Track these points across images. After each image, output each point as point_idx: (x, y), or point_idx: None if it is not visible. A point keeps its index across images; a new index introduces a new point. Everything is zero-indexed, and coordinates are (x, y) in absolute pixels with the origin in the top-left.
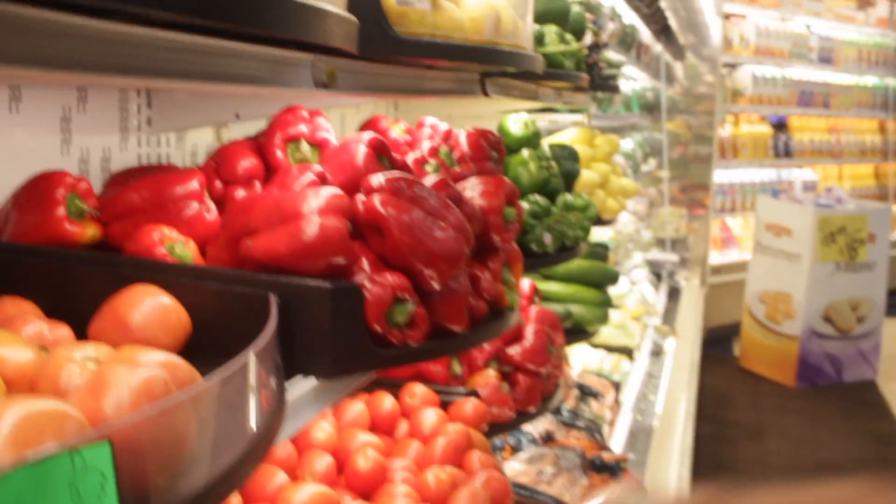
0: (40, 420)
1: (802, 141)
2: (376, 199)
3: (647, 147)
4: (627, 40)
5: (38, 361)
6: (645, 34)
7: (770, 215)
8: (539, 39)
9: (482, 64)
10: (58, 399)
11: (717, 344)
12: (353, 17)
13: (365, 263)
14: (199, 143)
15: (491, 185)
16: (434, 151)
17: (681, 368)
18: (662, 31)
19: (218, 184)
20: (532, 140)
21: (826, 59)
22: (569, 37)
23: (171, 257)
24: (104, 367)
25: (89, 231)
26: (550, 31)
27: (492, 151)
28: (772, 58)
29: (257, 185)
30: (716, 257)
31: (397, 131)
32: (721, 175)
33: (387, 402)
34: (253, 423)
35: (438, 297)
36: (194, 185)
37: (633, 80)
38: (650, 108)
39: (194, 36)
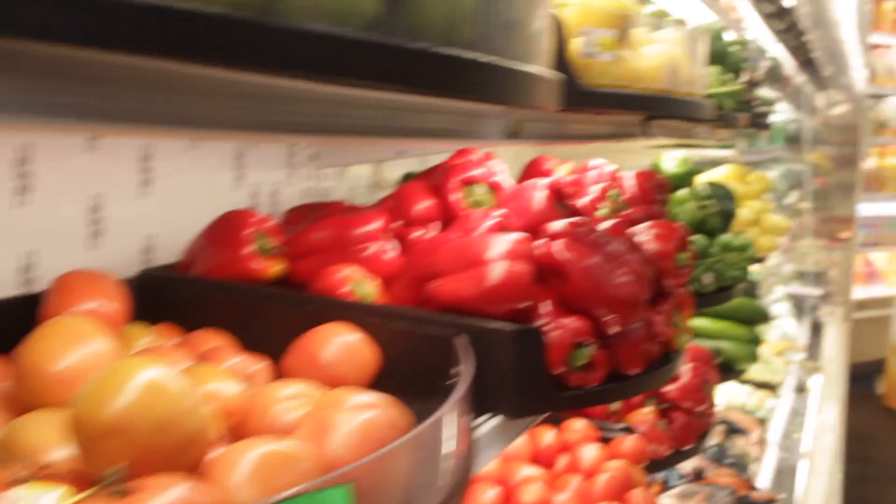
0: (277, 460)
1: None
2: (558, 245)
3: (789, 179)
4: (774, 74)
5: (246, 396)
6: (788, 66)
7: None
8: None
9: (660, 111)
10: (287, 440)
11: (861, 381)
12: (555, 75)
13: (547, 307)
14: (359, 176)
15: (663, 229)
16: (604, 194)
17: (826, 406)
18: (806, 63)
19: (395, 224)
20: (687, 178)
21: None
22: (727, 76)
23: (354, 296)
24: (324, 408)
25: (276, 268)
26: (711, 71)
27: (658, 193)
28: None
29: (433, 226)
30: (860, 292)
31: (563, 171)
32: (865, 208)
33: (548, 435)
34: (453, 464)
35: (617, 340)
36: (376, 225)
37: (777, 112)
38: (792, 139)
39: (389, 94)
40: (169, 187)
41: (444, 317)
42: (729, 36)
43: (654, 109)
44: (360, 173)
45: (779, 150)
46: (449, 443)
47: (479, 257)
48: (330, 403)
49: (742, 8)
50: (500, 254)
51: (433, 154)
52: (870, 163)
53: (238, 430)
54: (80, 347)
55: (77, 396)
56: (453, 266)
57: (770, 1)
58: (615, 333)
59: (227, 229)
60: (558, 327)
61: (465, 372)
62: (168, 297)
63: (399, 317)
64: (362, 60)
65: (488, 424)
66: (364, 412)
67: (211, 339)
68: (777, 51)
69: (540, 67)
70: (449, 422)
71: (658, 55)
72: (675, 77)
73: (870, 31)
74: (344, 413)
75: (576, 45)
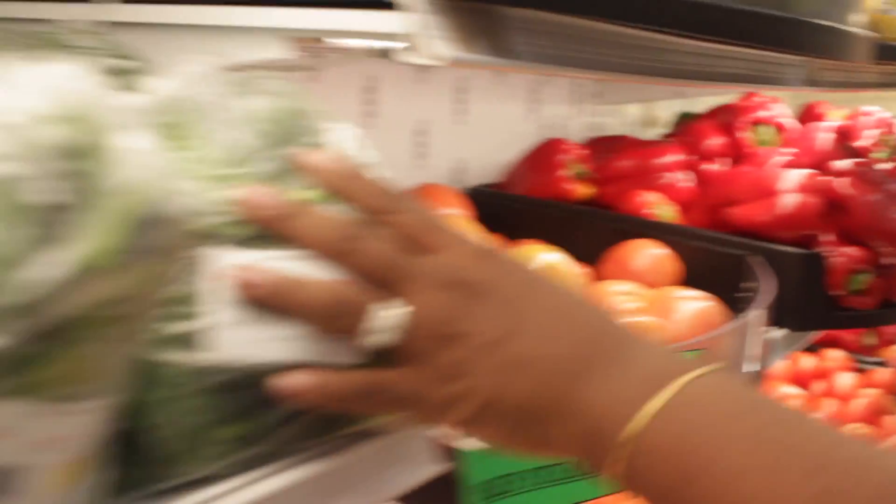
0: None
1: None
2: (843, 182)
3: None
4: None
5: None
6: None
7: None
8: None
9: None
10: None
11: None
12: (867, 34)
13: (830, 237)
14: (632, 114)
15: None
16: (880, 140)
17: None
18: None
19: (690, 157)
20: None
21: None
22: None
23: (656, 217)
24: (659, 300)
25: (586, 190)
26: None
27: None
28: None
29: (722, 161)
30: None
31: (837, 117)
32: None
33: (807, 361)
34: (756, 361)
35: (891, 270)
36: (673, 157)
37: None
38: None
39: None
40: (477, 116)
41: (738, 238)
42: None
43: None
44: (632, 111)
45: None
46: (754, 340)
47: (772, 188)
48: (663, 297)
49: None
50: (791, 186)
51: (704, 97)
52: None
53: None
54: None
55: None
56: (748, 195)
57: None
58: (890, 264)
59: (545, 155)
60: (840, 255)
61: (761, 287)
62: (494, 212)
63: (698, 237)
64: (737, 23)
65: (775, 334)
66: (698, 302)
67: (537, 249)
68: None
69: (857, 28)
70: (754, 322)
71: None
72: None
73: None
74: (681, 301)
75: (872, 3)
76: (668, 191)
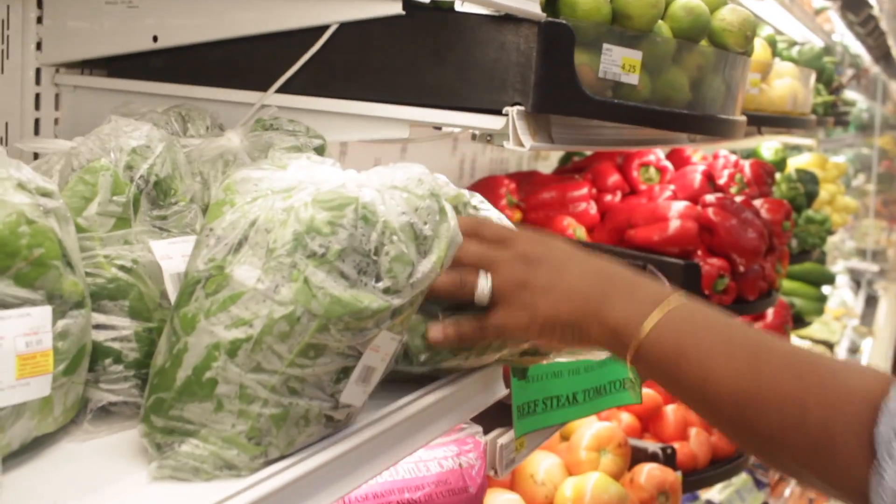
0: None
1: None
2: (711, 211)
3: (857, 163)
4: (853, 69)
5: None
6: (865, 59)
7: None
8: None
9: (783, 127)
10: None
11: None
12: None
13: (702, 251)
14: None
15: (774, 205)
16: (732, 178)
17: (875, 364)
18: (882, 56)
19: (593, 190)
20: (781, 164)
21: None
22: (821, 87)
23: (574, 237)
24: None
25: (517, 216)
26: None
27: (768, 178)
28: None
29: (619, 194)
30: None
31: (697, 157)
32: None
33: None
34: None
35: (742, 276)
36: (585, 190)
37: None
38: (864, 127)
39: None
40: (416, 157)
41: (637, 252)
42: (817, 41)
43: (782, 126)
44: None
45: (851, 137)
46: None
47: (664, 216)
48: None
49: (833, 18)
50: (676, 214)
51: None
52: None
53: None
54: None
55: None
56: (644, 220)
57: (856, 13)
58: (742, 272)
59: (488, 188)
60: (709, 265)
61: None
62: None
63: (609, 252)
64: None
65: None
66: None
67: None
68: (856, 46)
69: (734, 115)
70: None
71: (784, 87)
72: (794, 102)
73: None
74: None
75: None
76: (581, 217)
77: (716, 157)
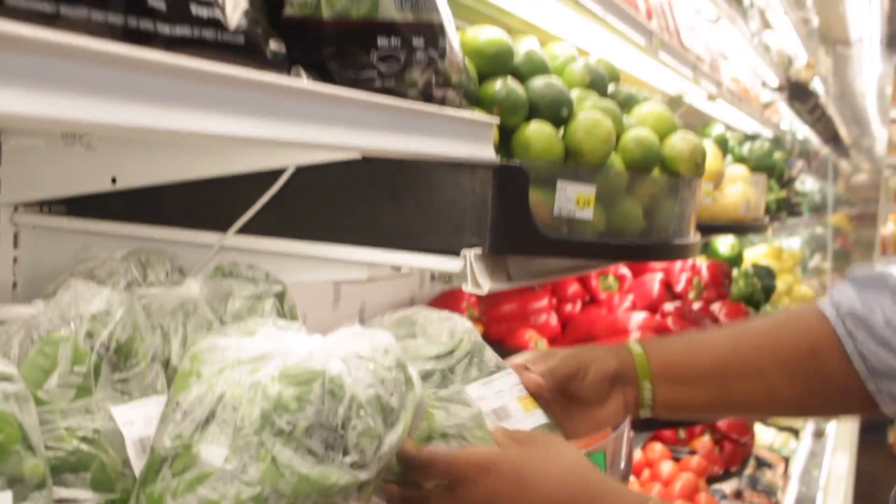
0: None
1: None
2: (669, 320)
3: (812, 244)
4: (803, 156)
5: None
6: (815, 142)
7: None
8: None
9: (736, 232)
10: None
11: (873, 431)
12: (694, 238)
13: None
14: None
15: (732, 308)
16: (690, 282)
17: (841, 450)
18: (831, 138)
19: (553, 300)
20: (737, 258)
21: None
22: (773, 183)
23: (535, 348)
24: None
25: (479, 329)
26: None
27: (725, 279)
28: None
29: (579, 303)
30: None
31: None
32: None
33: (637, 453)
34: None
35: None
36: (545, 301)
37: (808, 186)
38: (817, 207)
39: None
40: None
41: None
42: (767, 132)
43: (733, 232)
44: None
45: (806, 219)
46: (626, 442)
47: (623, 328)
48: None
49: (781, 109)
50: (636, 326)
51: None
52: (888, 229)
53: None
54: None
55: None
56: (605, 333)
57: (803, 102)
58: None
59: (448, 301)
60: None
61: None
62: None
63: None
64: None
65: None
66: None
67: None
68: (805, 131)
69: (688, 235)
70: (627, 428)
71: (737, 193)
72: (747, 208)
73: (891, 105)
74: None
75: None
76: (542, 328)
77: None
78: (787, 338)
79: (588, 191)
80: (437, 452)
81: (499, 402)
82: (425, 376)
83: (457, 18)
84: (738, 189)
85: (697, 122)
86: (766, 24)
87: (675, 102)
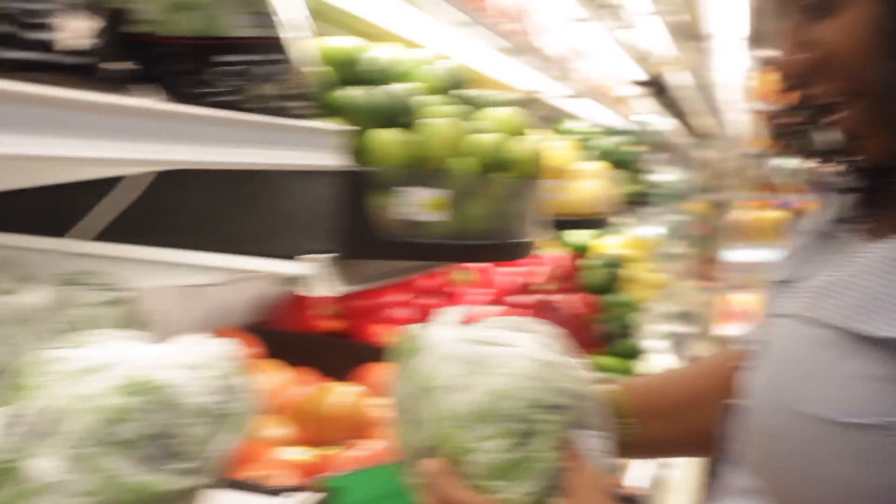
0: None
1: None
2: (528, 313)
3: (676, 230)
4: (662, 148)
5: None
6: (679, 133)
7: None
8: None
9: (590, 227)
10: None
11: None
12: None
13: None
14: None
15: (581, 299)
16: (543, 274)
17: None
18: (692, 130)
19: (411, 295)
20: (592, 249)
21: None
22: (629, 176)
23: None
24: None
25: (338, 324)
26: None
27: (576, 270)
28: None
29: (436, 296)
30: (732, 330)
31: None
32: (736, 255)
33: None
34: None
35: None
36: (397, 297)
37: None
38: (680, 196)
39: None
40: None
41: None
42: (629, 126)
43: (587, 226)
44: None
45: (668, 207)
46: None
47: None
48: None
49: (644, 104)
50: None
51: None
52: (743, 214)
53: None
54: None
55: None
56: None
57: (666, 96)
58: None
59: (303, 302)
60: None
61: None
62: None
63: None
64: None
65: None
66: None
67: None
68: (669, 123)
69: (532, 235)
70: None
71: (589, 189)
72: (600, 201)
73: (752, 98)
74: None
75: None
76: (396, 323)
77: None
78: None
79: (434, 194)
80: None
81: None
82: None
83: (317, 26)
84: (590, 184)
85: (558, 118)
86: (629, 22)
87: (532, 101)
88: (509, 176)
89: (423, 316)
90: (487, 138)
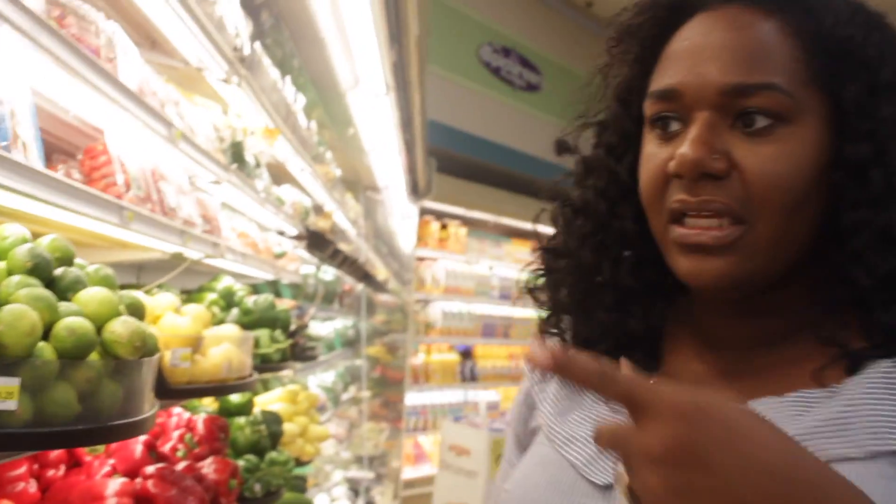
0: None
1: (486, 367)
2: (149, 483)
3: (347, 377)
4: (330, 296)
5: None
6: (348, 281)
7: (453, 437)
8: (256, 343)
9: (219, 393)
10: None
11: None
12: (147, 417)
13: None
14: None
15: (221, 465)
16: (182, 439)
17: None
18: (363, 277)
19: (35, 466)
20: (247, 406)
21: (506, 295)
22: (278, 333)
23: None
24: None
25: None
26: (264, 334)
27: (220, 433)
28: (459, 295)
29: (63, 468)
30: (410, 472)
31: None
32: (415, 398)
33: None
34: None
35: None
36: (24, 468)
37: (334, 322)
38: (352, 342)
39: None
40: None
41: None
42: (285, 280)
43: (216, 393)
44: None
45: (341, 353)
46: None
47: (100, 494)
48: None
49: (303, 257)
50: (113, 492)
51: None
52: (418, 359)
53: None
54: None
55: None
56: (82, 500)
57: (322, 249)
58: None
59: None
60: None
61: None
62: None
63: None
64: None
65: None
66: None
67: None
68: (333, 273)
69: (140, 413)
70: None
71: (219, 355)
72: (230, 369)
73: (418, 246)
74: None
75: (165, 358)
76: (20, 497)
77: (169, 415)
78: None
79: (11, 382)
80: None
81: None
82: None
83: None
84: (221, 350)
85: (209, 276)
86: (277, 180)
87: (175, 261)
88: (107, 357)
89: (47, 488)
90: (79, 322)
